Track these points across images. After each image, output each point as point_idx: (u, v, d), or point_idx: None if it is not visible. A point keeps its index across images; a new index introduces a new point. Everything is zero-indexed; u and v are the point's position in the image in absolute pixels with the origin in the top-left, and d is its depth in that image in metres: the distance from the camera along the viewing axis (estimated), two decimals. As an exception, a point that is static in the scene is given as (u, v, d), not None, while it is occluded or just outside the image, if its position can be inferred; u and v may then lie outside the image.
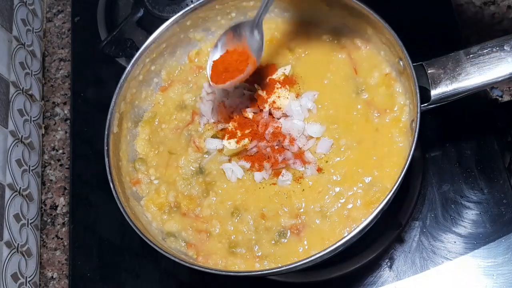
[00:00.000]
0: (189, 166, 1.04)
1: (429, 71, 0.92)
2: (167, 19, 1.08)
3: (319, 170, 0.98)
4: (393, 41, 0.95)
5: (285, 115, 1.02)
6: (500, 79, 0.89)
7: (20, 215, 1.24)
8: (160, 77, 1.14)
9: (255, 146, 1.00)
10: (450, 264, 1.04)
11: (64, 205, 1.32)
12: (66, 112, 1.42)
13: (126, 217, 0.93)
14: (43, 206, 1.34)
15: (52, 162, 1.38)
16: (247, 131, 1.01)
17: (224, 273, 0.90)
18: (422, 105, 0.90)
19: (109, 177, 0.97)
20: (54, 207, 1.33)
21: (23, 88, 1.35)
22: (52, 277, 1.27)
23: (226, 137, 1.02)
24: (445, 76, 0.91)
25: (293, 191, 0.98)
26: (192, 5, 1.08)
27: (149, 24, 1.32)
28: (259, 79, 1.07)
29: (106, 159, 0.99)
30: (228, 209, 0.99)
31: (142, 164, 1.07)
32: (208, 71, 1.02)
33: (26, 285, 1.21)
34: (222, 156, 1.03)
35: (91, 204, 1.26)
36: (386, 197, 0.85)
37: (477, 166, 1.10)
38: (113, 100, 1.03)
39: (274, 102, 1.02)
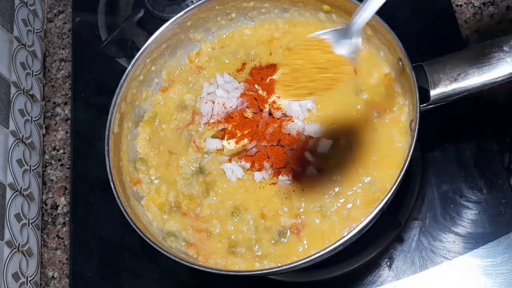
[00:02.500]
0: (189, 166, 1.05)
1: (428, 72, 0.92)
2: (167, 20, 1.08)
3: (319, 170, 0.98)
4: (392, 42, 0.95)
5: (285, 115, 1.02)
6: (499, 79, 0.89)
7: (21, 214, 1.24)
8: (160, 78, 1.14)
9: (255, 146, 1.00)
10: (449, 263, 1.04)
11: (64, 205, 1.33)
12: (66, 112, 1.42)
13: (127, 217, 0.93)
14: (44, 205, 1.34)
15: (53, 162, 1.38)
16: (246, 131, 1.01)
17: (224, 272, 0.90)
18: (421, 105, 0.90)
19: (109, 177, 0.97)
20: (55, 206, 1.33)
21: (24, 88, 1.36)
22: (52, 276, 1.27)
23: (226, 137, 1.02)
24: (444, 77, 0.91)
25: (293, 191, 0.98)
26: (192, 6, 1.08)
27: (150, 25, 1.33)
28: (259, 79, 1.07)
29: (107, 159, 0.99)
30: (228, 209, 0.99)
31: (143, 164, 1.07)
32: None
33: (27, 284, 1.21)
34: (222, 156, 1.03)
35: (91, 204, 1.26)
36: (385, 197, 0.85)
37: (476, 166, 1.10)
38: (114, 100, 1.03)
39: (274, 102, 1.02)
